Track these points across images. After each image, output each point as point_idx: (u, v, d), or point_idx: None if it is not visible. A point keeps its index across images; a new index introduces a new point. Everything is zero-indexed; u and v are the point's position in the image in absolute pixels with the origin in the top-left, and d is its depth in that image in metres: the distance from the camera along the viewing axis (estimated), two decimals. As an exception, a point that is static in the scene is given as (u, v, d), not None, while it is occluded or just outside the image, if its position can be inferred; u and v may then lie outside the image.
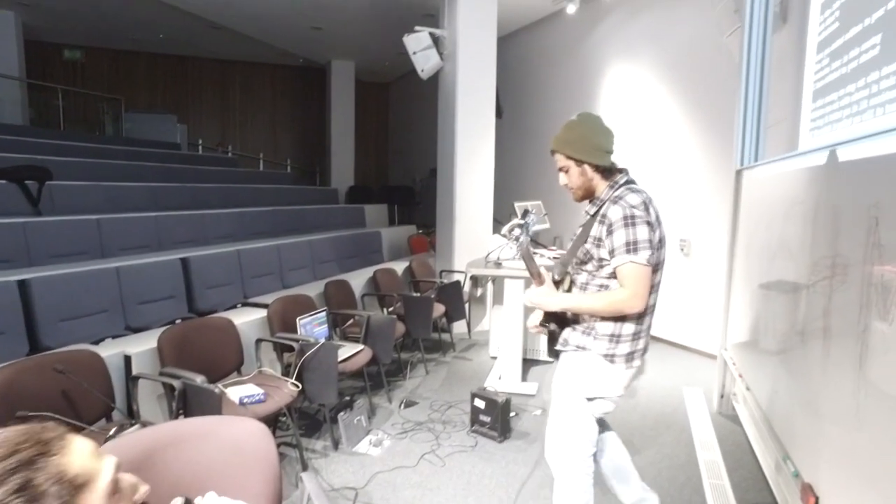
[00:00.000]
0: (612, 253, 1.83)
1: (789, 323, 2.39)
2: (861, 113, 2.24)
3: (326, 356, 3.11)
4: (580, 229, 2.01)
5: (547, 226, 5.70)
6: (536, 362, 4.85)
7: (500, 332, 4.49)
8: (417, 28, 5.55)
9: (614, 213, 1.81)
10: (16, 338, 2.89)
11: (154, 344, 2.75)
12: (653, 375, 4.67)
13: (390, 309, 4.76)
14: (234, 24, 8.43)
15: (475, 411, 3.48)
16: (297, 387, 2.95)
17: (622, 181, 1.95)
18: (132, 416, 2.53)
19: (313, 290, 4.44)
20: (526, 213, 2.01)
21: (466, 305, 5.47)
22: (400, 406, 3.91)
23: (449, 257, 6.02)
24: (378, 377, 4.10)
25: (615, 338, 1.91)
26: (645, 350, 1.99)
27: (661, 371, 4.80)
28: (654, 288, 1.90)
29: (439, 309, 4.90)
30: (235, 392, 2.68)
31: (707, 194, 5.11)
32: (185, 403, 2.38)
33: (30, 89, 9.27)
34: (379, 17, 7.74)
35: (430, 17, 6.71)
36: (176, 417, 2.37)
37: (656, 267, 1.87)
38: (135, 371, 2.71)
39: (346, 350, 3.57)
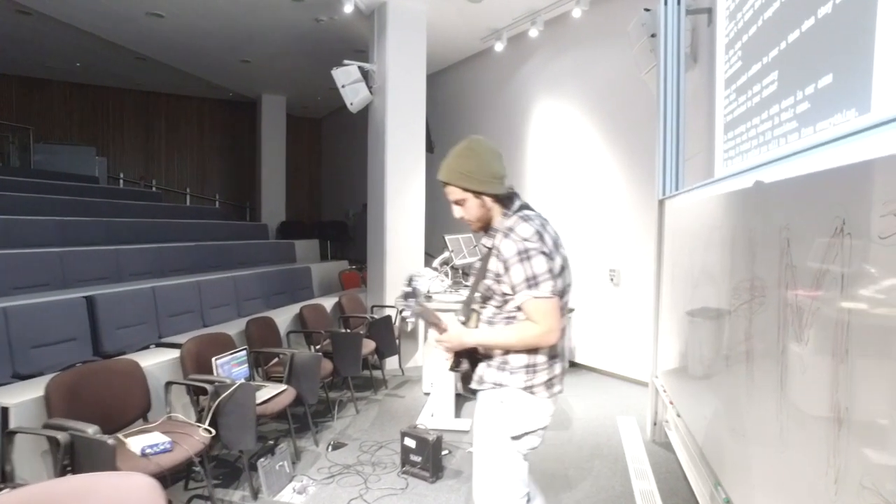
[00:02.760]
0: (513, 289, 1.76)
1: (714, 348, 2.41)
2: (767, 143, 2.33)
3: (243, 398, 2.89)
4: (479, 263, 1.94)
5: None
6: (470, 397, 4.73)
7: (433, 368, 4.37)
8: (346, 62, 5.51)
9: (507, 248, 1.74)
10: None
11: (41, 392, 2.46)
12: (587, 405, 4.66)
13: (318, 346, 4.56)
14: (159, 55, 8.14)
15: (406, 451, 3.32)
16: (210, 433, 2.71)
17: (515, 207, 1.87)
18: (4, 478, 2.22)
19: (235, 328, 4.18)
20: (411, 279, 1.93)
21: (398, 341, 5.33)
22: (327, 448, 3.70)
23: (380, 292, 5.89)
24: (304, 419, 3.87)
25: (531, 368, 1.83)
26: (563, 373, 1.93)
27: (595, 400, 4.79)
28: (561, 311, 1.85)
29: (370, 345, 4.73)
30: (137, 442, 2.42)
31: (634, 224, 5.25)
32: (74, 459, 2.11)
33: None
34: (308, 51, 7.68)
35: (361, 53, 6.71)
36: (62, 475, 2.09)
37: (562, 292, 1.82)
38: (12, 425, 2.39)
39: (268, 391, 3.34)
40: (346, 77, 5.46)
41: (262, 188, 11.04)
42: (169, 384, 2.97)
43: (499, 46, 6.49)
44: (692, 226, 2.94)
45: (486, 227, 1.91)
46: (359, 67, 5.54)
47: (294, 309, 5.16)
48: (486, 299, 1.89)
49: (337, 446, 3.74)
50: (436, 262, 5.16)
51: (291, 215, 11.71)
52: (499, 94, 7.11)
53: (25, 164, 9.40)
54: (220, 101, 11.81)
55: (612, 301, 5.47)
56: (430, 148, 7.50)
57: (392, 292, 5.75)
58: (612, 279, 5.45)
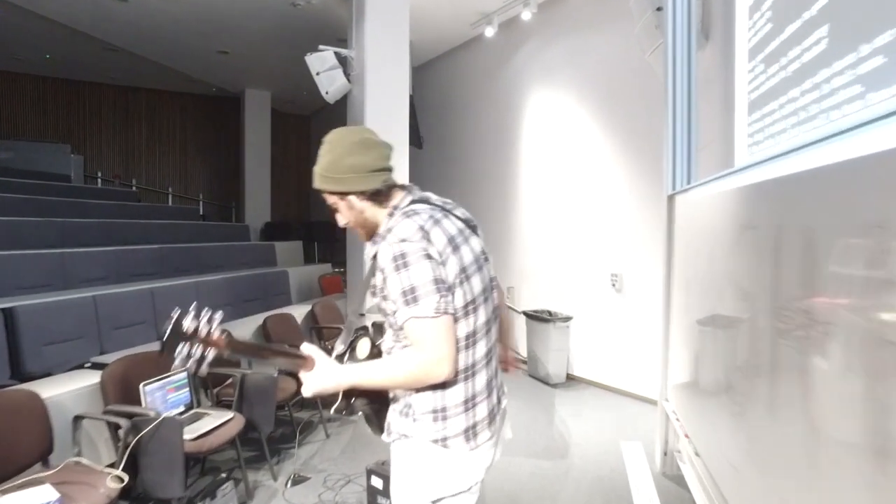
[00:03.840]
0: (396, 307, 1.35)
1: (739, 367, 1.92)
2: (812, 119, 1.83)
3: (169, 435, 2.39)
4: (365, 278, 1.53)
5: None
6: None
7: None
8: (322, 47, 5.01)
9: (383, 255, 1.35)
10: None
11: None
12: (587, 428, 4.15)
13: (283, 362, 4.04)
14: (128, 44, 7.64)
15: (372, 493, 2.81)
16: (122, 481, 2.21)
17: (404, 204, 1.46)
18: None
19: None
20: (179, 317, 1.23)
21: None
22: (286, 484, 3.19)
23: (361, 299, 5.37)
24: (260, 447, 3.36)
25: (440, 414, 1.38)
26: (494, 414, 1.47)
27: (596, 422, 4.29)
28: (474, 334, 1.41)
29: (343, 360, 4.22)
30: (15, 501, 1.92)
31: (638, 223, 4.74)
32: None
33: None
34: (288, 40, 7.18)
35: (344, 42, 6.21)
36: None
37: (467, 308, 1.37)
38: None
39: (211, 420, 2.84)
40: (321, 63, 4.96)
41: (245, 188, 10.54)
42: (77, 419, 2.46)
43: (489, 32, 5.99)
44: (712, 224, 2.44)
45: (372, 233, 1.50)
46: (335, 53, 5.04)
47: (260, 319, 4.65)
48: (383, 324, 1.49)
49: (298, 481, 3.24)
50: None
51: (278, 216, 11.21)
52: (491, 85, 6.60)
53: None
54: (203, 97, 11.32)
55: (613, 308, 4.96)
56: (418, 143, 7.01)
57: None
58: (613, 284, 4.94)
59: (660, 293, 3.46)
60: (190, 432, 2.67)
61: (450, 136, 7.45)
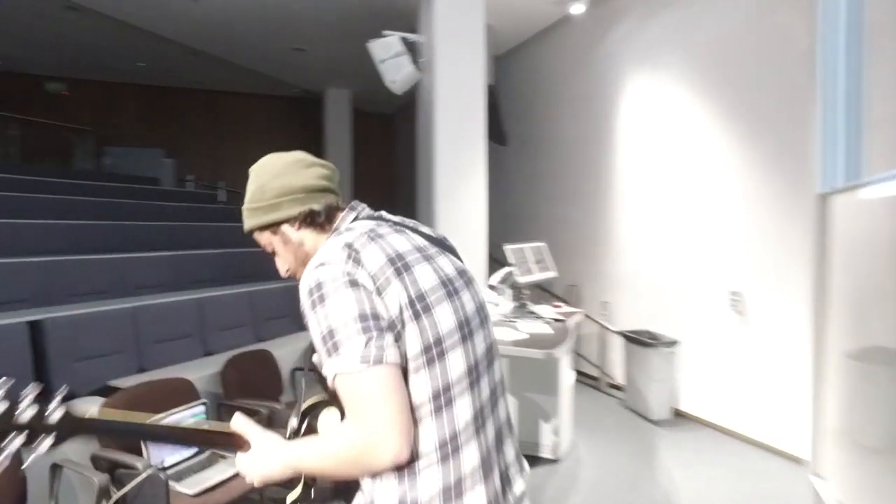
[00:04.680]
0: None
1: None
2: None
3: (153, 494, 1.91)
4: None
5: (552, 273, 4.46)
6: (540, 460, 3.55)
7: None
8: (386, 32, 4.51)
9: (301, 291, 1.01)
10: None
11: None
12: (698, 485, 3.31)
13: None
14: (207, 46, 7.62)
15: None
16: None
17: (345, 225, 1.15)
18: None
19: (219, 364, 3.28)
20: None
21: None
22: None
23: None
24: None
25: None
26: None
27: (711, 478, 3.42)
28: (448, 390, 1.01)
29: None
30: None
31: (766, 231, 3.81)
32: None
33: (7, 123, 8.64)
34: (362, 32, 6.79)
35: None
36: None
37: (430, 352, 0.98)
38: None
39: (226, 467, 2.37)
40: (386, 50, 4.46)
41: (328, 190, 10.37)
42: (56, 468, 2.05)
43: (577, 9, 5.23)
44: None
45: None
46: (401, 38, 4.52)
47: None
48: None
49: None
50: (493, 279, 4.02)
51: (363, 219, 10.97)
52: (581, 71, 5.81)
53: (98, 168, 9.33)
54: (287, 99, 11.32)
55: (733, 334, 4.05)
56: (500, 139, 6.37)
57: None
58: (733, 306, 4.02)
59: (800, 318, 2.60)
60: (193, 485, 2.20)
61: (536, 131, 6.72)
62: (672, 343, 4.41)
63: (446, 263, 1.10)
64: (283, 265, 1.20)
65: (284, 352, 3.87)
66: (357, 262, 0.97)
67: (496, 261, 4.88)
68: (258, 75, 9.01)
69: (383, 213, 1.18)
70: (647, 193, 4.90)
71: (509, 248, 4.11)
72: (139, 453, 2.18)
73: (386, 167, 12.26)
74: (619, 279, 5.26)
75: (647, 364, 4.42)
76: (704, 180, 4.31)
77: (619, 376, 5.03)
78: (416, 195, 5.32)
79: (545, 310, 3.93)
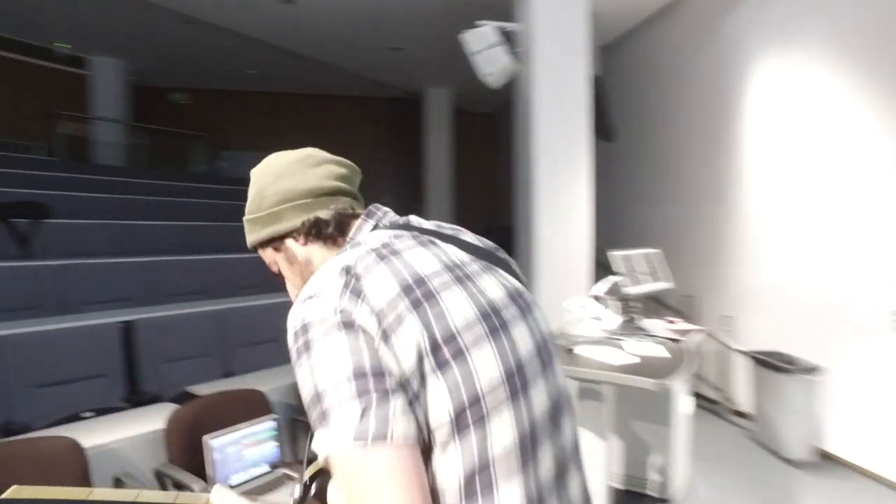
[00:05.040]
0: None
1: None
2: None
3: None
4: None
5: (666, 284, 3.94)
6: (647, 500, 3.11)
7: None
8: (479, 22, 4.21)
9: (288, 332, 0.74)
10: None
11: None
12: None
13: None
14: (307, 50, 7.81)
15: None
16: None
17: (360, 236, 0.88)
18: None
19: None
20: None
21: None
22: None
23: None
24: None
25: None
26: None
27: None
28: (489, 467, 0.69)
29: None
30: None
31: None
32: None
33: (134, 132, 9.38)
34: (455, 26, 6.61)
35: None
36: None
37: (466, 417, 0.68)
38: None
39: (287, 492, 2.18)
40: (480, 41, 4.17)
41: (427, 192, 10.30)
42: (118, 482, 1.96)
43: (701, -17, 4.63)
44: None
45: None
46: (498, 28, 4.21)
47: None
48: None
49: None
50: (598, 289, 3.59)
51: (461, 221, 10.75)
52: (700, 56, 5.16)
53: (213, 172, 9.92)
54: (388, 101, 11.42)
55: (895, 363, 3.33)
56: (606, 135, 5.85)
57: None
58: None
59: None
60: (256, 512, 2.02)
61: (648, 125, 6.12)
62: (813, 369, 3.72)
63: (492, 285, 0.82)
64: (291, 289, 0.96)
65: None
66: (356, 293, 0.70)
67: (602, 266, 4.42)
68: (358, 77, 9.12)
69: (412, 219, 0.91)
70: (780, 193, 4.21)
71: (617, 255, 3.66)
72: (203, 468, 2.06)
73: (488, 168, 12.00)
74: (745, 291, 4.59)
75: (782, 392, 3.77)
76: (856, 178, 3.59)
77: (744, 402, 4.38)
78: (514, 196, 4.99)
79: (657, 326, 3.44)
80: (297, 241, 0.91)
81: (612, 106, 6.13)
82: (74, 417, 2.65)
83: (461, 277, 0.78)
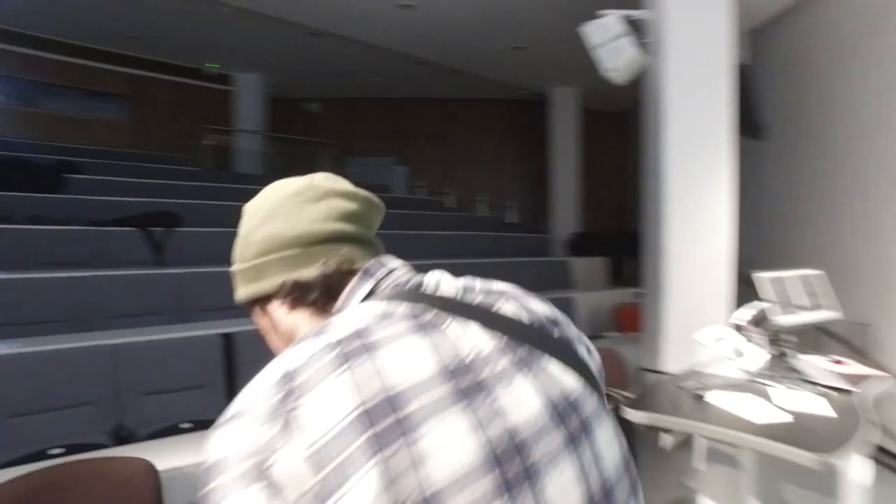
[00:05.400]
0: None
1: None
2: None
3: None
4: None
5: (830, 313, 3.24)
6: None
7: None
8: (602, 12, 3.77)
9: None
10: None
11: None
12: None
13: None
14: (429, 54, 7.76)
15: None
16: None
17: (350, 304, 0.64)
18: None
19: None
20: None
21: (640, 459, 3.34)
22: None
23: (654, 348, 3.94)
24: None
25: None
26: None
27: None
28: None
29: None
30: None
31: None
32: None
33: (270, 141, 10.01)
34: (579, 21, 6.16)
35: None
36: None
37: None
38: None
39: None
40: (603, 33, 3.73)
41: (553, 195, 9.86)
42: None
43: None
44: None
45: None
46: (624, 17, 3.74)
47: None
48: None
49: None
50: (738, 316, 3.01)
51: (590, 225, 10.17)
52: (875, 38, 4.23)
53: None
54: (512, 102, 11.09)
55: None
56: (754, 132, 5.11)
57: (673, 349, 3.79)
58: None
59: None
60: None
61: (807, 121, 5.20)
62: None
63: (526, 395, 0.55)
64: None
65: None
66: (288, 422, 0.47)
67: (746, 282, 3.77)
68: (481, 80, 8.95)
69: (428, 280, 0.65)
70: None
71: (765, 277, 3.05)
72: None
73: (620, 171, 11.26)
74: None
75: None
76: None
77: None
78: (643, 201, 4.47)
79: (819, 368, 2.78)
80: (281, 305, 0.69)
81: (762, 98, 5.32)
82: (174, 429, 2.69)
83: (470, 388, 0.52)
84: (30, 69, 8.70)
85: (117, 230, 4.44)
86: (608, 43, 3.73)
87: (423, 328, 0.55)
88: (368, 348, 0.51)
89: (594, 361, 0.67)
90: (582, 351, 0.66)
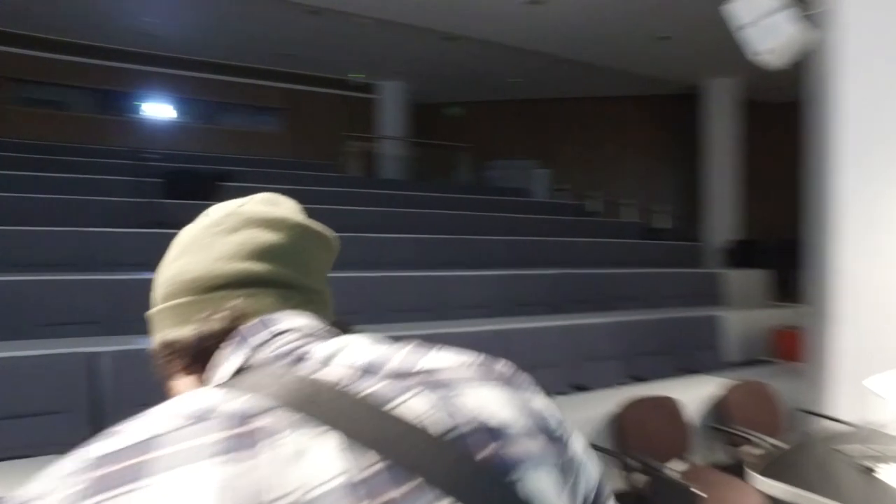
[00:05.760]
0: None
1: None
2: None
3: None
4: None
5: None
6: None
7: None
8: (755, -17, 3.19)
9: None
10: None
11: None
12: None
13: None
14: (563, 51, 7.37)
15: None
16: None
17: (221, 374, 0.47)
18: None
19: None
20: None
21: None
22: None
23: (818, 386, 3.25)
24: None
25: None
26: None
27: None
28: None
29: None
30: None
31: None
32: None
33: (413, 147, 10.25)
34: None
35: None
36: None
37: None
38: None
39: None
40: (752, 9, 3.15)
41: (711, 199, 8.88)
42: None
43: None
44: None
45: None
46: (781, -12, 3.13)
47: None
48: None
49: None
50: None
51: (752, 232, 8.98)
52: None
53: (480, 183, 10.19)
54: (660, 98, 10.16)
55: None
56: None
57: (843, 390, 3.10)
58: None
59: None
60: None
61: None
62: None
63: None
64: None
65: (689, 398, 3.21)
66: None
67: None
68: (624, 75, 8.33)
69: (317, 354, 0.45)
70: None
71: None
72: None
73: (788, 170, 9.84)
74: None
75: None
76: None
77: None
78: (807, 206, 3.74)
79: None
80: (164, 357, 0.56)
81: None
82: None
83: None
84: (203, 90, 9.88)
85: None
86: (759, 21, 3.14)
87: (235, 448, 0.36)
88: (138, 475, 0.34)
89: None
90: (548, 489, 0.41)
